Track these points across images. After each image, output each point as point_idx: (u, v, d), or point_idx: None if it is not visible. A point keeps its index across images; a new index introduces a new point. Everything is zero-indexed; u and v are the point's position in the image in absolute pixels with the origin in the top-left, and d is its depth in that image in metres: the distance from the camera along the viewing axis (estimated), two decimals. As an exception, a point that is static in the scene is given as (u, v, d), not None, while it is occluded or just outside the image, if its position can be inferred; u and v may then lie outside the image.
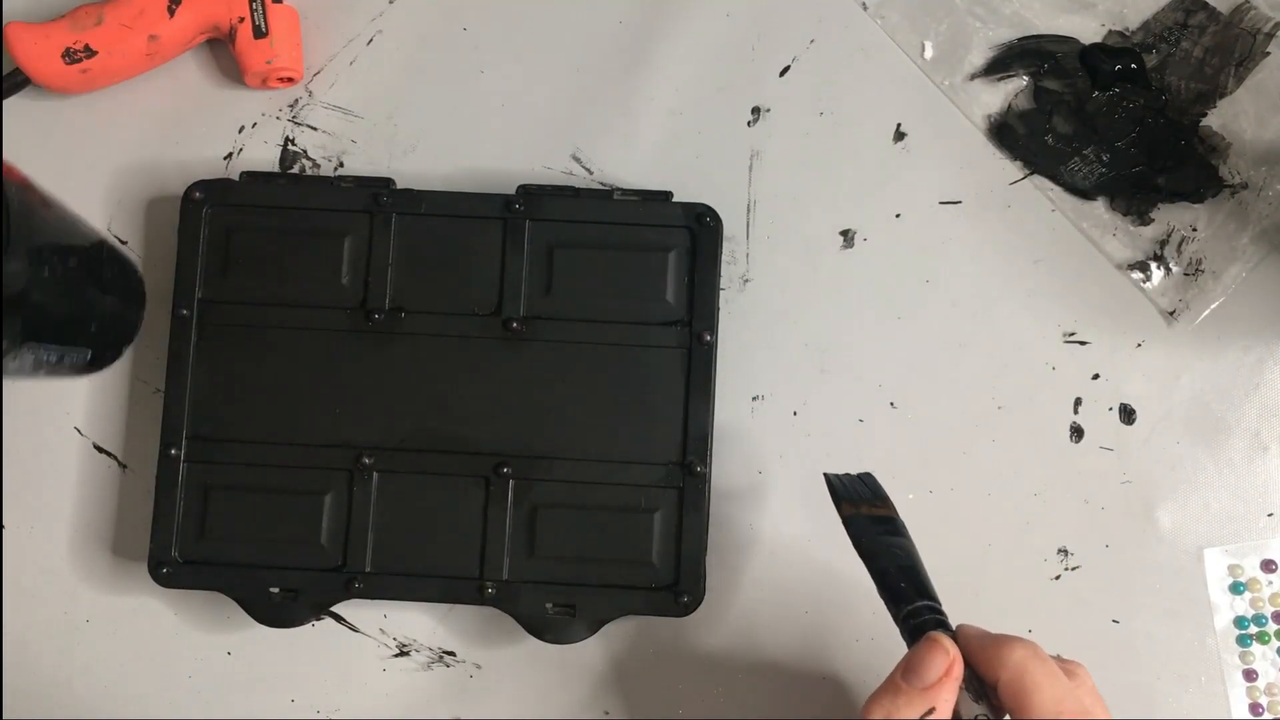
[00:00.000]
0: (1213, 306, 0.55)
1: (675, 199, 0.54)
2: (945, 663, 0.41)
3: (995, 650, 0.41)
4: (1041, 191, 0.56)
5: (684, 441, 0.52)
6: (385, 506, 0.52)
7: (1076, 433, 0.54)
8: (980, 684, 0.41)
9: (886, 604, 0.44)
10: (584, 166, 0.57)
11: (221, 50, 0.57)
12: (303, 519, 0.52)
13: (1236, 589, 0.53)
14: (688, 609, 0.51)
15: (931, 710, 0.40)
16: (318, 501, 0.52)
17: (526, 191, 0.54)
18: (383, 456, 0.52)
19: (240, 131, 0.57)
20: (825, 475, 0.47)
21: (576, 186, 0.55)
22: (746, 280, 0.56)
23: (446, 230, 0.54)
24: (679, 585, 0.51)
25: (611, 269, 0.53)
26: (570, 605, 0.51)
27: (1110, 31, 0.57)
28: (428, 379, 0.53)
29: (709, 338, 0.53)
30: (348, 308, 0.53)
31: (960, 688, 0.41)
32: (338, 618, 0.54)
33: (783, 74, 0.57)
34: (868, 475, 0.48)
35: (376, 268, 0.53)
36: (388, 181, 0.54)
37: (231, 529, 0.52)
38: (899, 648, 0.53)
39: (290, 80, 0.57)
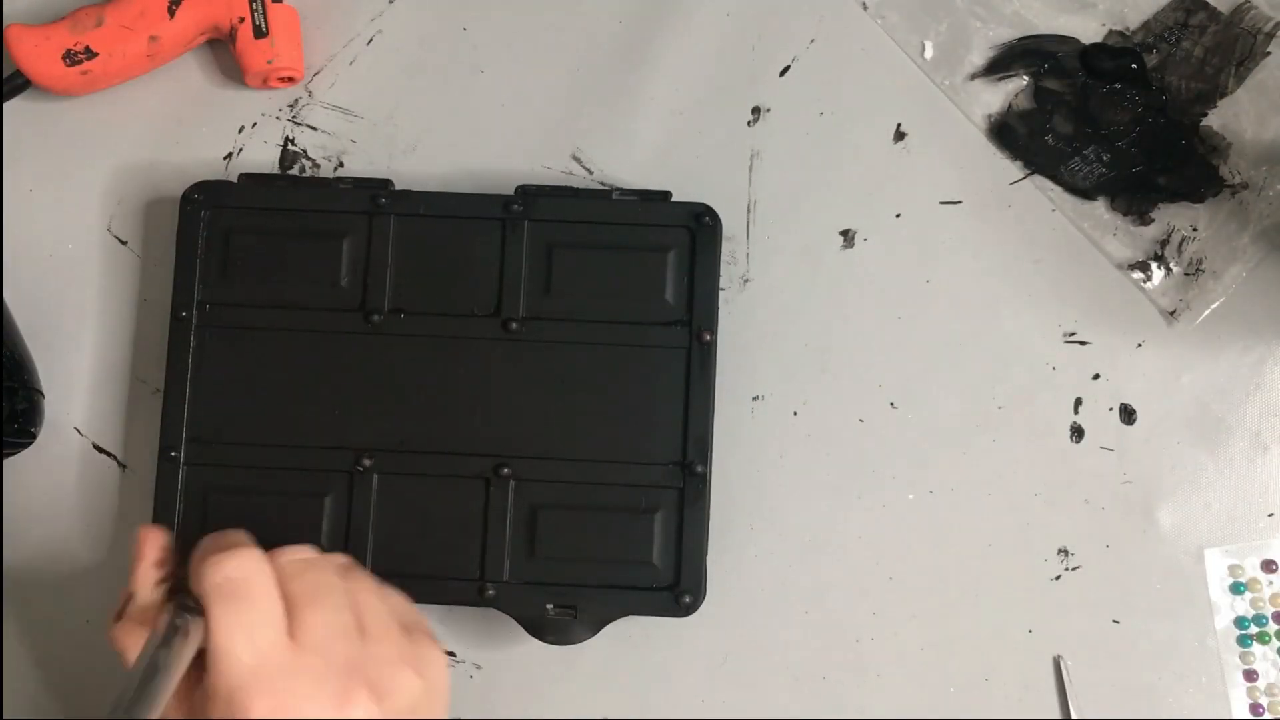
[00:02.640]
0: (1213, 306, 0.55)
1: (675, 199, 0.54)
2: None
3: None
4: (1042, 191, 0.56)
5: (684, 441, 0.52)
6: (385, 508, 0.52)
7: (1077, 433, 0.54)
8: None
9: None
10: (584, 166, 0.57)
11: (221, 50, 0.57)
12: (303, 521, 0.52)
13: (1237, 589, 0.53)
14: (688, 609, 0.51)
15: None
16: (318, 503, 0.52)
17: (525, 192, 0.54)
18: (382, 458, 0.52)
19: (240, 132, 0.57)
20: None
21: (576, 186, 0.55)
22: (746, 280, 0.56)
23: (445, 231, 0.54)
24: (679, 586, 0.51)
25: (611, 269, 0.53)
26: (571, 606, 0.51)
27: (1110, 31, 0.57)
28: (427, 380, 0.53)
29: (709, 337, 0.52)
30: (347, 309, 0.53)
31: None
32: (338, 618, 0.54)
33: (783, 74, 0.57)
34: None
35: (375, 269, 0.53)
36: (386, 182, 0.54)
37: (232, 530, 0.52)
38: (899, 649, 0.53)
39: (290, 80, 0.57)
